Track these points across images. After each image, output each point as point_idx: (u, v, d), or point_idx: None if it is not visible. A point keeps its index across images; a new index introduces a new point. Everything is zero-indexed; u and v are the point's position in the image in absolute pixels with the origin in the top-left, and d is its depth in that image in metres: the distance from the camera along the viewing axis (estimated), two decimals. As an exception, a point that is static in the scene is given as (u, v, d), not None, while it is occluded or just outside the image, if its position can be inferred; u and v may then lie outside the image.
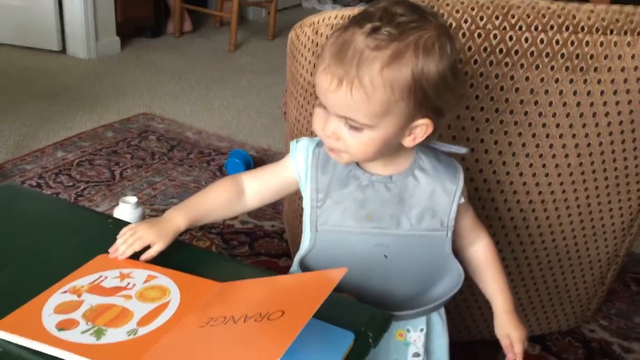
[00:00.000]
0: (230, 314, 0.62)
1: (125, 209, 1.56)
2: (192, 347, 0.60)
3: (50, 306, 0.68)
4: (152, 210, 1.81)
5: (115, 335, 0.64)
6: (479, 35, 0.97)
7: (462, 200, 0.85)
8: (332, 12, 1.11)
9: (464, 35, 0.97)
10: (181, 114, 2.56)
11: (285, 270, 1.62)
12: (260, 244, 1.71)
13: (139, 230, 0.79)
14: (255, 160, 2.13)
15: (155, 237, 0.79)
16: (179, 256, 0.80)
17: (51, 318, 0.66)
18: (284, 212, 1.56)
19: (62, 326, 0.65)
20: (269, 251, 1.68)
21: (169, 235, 0.81)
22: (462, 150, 0.87)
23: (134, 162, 2.10)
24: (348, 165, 0.83)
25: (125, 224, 0.88)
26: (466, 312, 1.27)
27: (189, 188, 1.96)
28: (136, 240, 0.79)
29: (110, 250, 0.79)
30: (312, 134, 1.23)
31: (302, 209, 1.34)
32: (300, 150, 0.87)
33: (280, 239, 1.73)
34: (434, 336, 0.90)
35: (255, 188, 0.89)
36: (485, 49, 0.97)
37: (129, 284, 0.73)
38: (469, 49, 0.97)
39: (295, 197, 1.25)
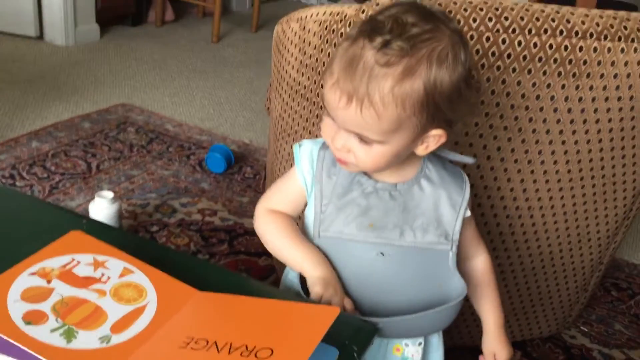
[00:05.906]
0: (213, 338, 0.59)
1: (101, 204, 1.52)
2: None
3: (17, 289, 0.64)
4: (129, 205, 1.76)
5: (86, 339, 0.60)
6: (471, 37, 0.94)
7: (468, 213, 0.83)
8: (320, 7, 1.08)
9: (456, 36, 0.94)
10: (161, 106, 2.51)
11: (265, 269, 1.59)
12: (240, 242, 1.67)
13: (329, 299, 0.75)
14: (237, 155, 2.09)
15: (340, 298, 0.76)
16: (154, 256, 0.76)
17: (17, 306, 0.62)
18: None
19: (29, 319, 0.61)
20: (249, 249, 1.64)
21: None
22: (470, 160, 0.84)
23: (112, 155, 2.05)
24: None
25: (100, 225, 0.84)
26: (459, 317, 1.25)
27: (167, 182, 1.92)
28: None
29: None
30: (296, 133, 1.20)
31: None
32: (305, 156, 0.83)
33: (261, 237, 1.69)
34: (430, 349, 0.88)
35: (292, 213, 0.85)
36: (477, 52, 0.95)
37: (103, 275, 0.68)
38: (461, 50, 0.95)
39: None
